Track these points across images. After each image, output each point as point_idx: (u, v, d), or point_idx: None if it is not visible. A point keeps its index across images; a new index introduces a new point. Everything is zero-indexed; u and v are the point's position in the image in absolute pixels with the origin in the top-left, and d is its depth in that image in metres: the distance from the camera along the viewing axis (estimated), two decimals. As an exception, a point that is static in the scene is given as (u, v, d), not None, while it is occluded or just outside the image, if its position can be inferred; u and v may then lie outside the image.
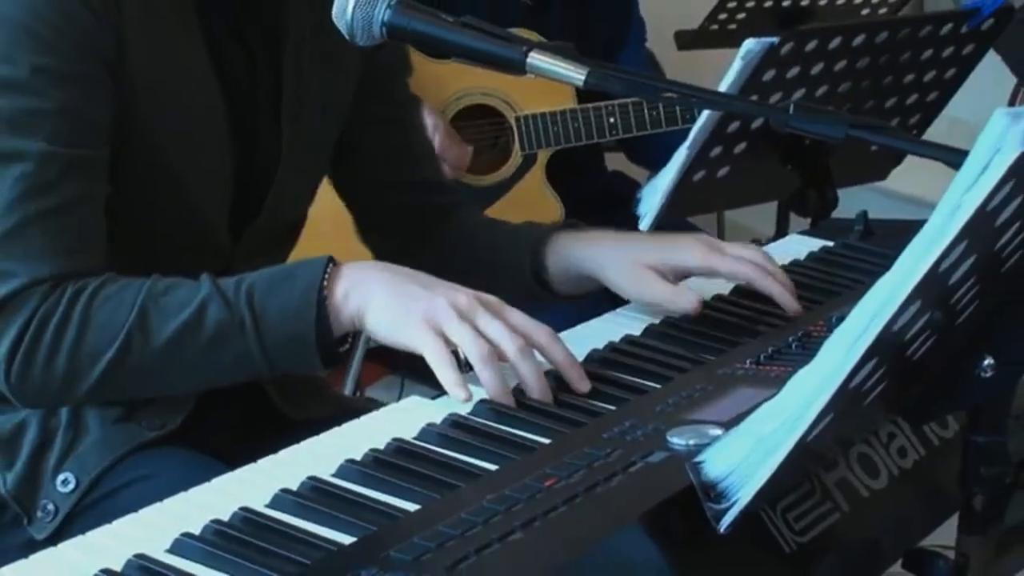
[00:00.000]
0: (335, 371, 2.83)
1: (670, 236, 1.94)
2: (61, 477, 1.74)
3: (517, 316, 1.62)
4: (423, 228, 2.11)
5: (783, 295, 1.83)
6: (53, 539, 1.70)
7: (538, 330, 1.61)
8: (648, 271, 1.87)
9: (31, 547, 1.53)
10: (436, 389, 1.58)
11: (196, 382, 1.74)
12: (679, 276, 1.89)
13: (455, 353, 1.57)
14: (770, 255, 1.89)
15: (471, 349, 1.55)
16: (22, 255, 1.65)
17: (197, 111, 1.81)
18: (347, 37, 1.72)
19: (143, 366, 1.65)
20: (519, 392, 1.58)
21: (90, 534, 1.31)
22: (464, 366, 1.57)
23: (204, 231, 1.86)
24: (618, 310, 1.87)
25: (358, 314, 1.63)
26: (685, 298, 1.83)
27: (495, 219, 2.18)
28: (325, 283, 1.64)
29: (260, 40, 1.89)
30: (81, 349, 1.64)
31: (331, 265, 1.65)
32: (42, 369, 1.65)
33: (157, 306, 1.64)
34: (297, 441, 1.49)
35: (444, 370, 1.54)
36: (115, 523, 1.32)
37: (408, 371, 3.84)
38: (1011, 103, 3.66)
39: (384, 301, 1.62)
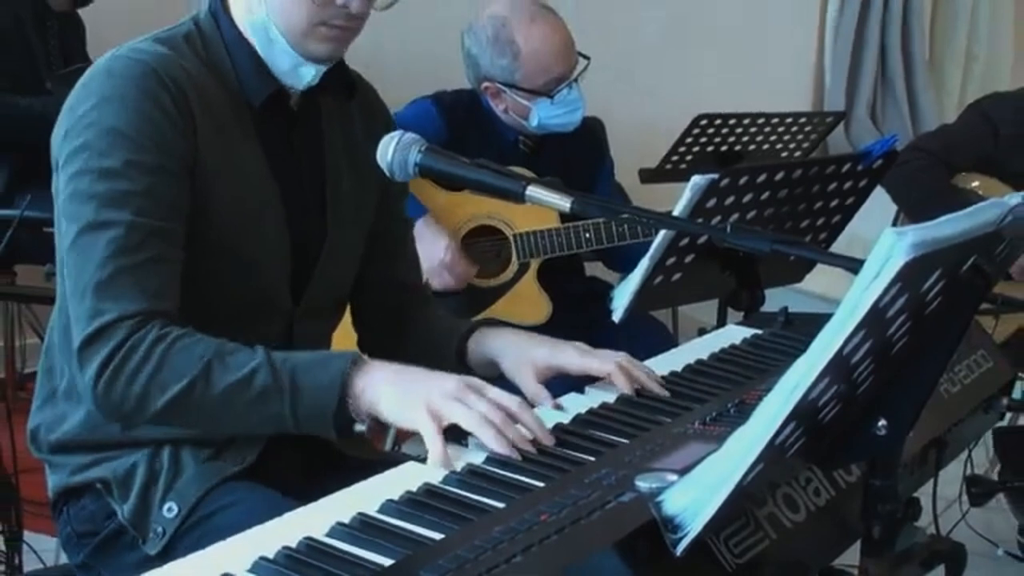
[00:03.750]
0: (377, 432, 2.81)
1: (557, 342, 1.92)
2: (167, 505, 1.74)
3: (494, 391, 1.62)
4: (397, 321, 2.11)
5: (630, 386, 1.79)
6: (162, 554, 1.70)
7: (511, 401, 1.60)
8: (529, 366, 1.87)
9: (144, 563, 1.53)
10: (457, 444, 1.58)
11: (236, 428, 1.74)
12: (558, 373, 1.87)
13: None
14: (630, 357, 1.86)
15: (466, 420, 1.56)
16: (114, 298, 1.66)
17: (258, 203, 1.82)
18: (388, 174, 1.74)
19: (199, 406, 1.66)
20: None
21: (189, 557, 1.30)
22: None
23: (269, 298, 1.87)
24: (595, 384, 1.86)
25: (372, 404, 1.62)
26: (540, 395, 1.81)
27: (442, 316, 2.14)
28: (349, 374, 1.63)
29: (304, 147, 1.91)
30: (155, 381, 1.64)
31: (359, 359, 1.65)
32: (123, 387, 1.65)
33: (221, 363, 1.65)
34: (350, 481, 1.48)
35: (433, 445, 1.54)
36: (208, 548, 1.31)
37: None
38: (895, 223, 3.67)
39: (393, 394, 1.61)
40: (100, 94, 1.71)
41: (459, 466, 1.50)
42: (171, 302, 1.71)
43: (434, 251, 3.08)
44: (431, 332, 2.07)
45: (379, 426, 1.67)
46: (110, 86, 1.71)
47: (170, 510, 1.73)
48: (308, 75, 1.83)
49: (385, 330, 2.12)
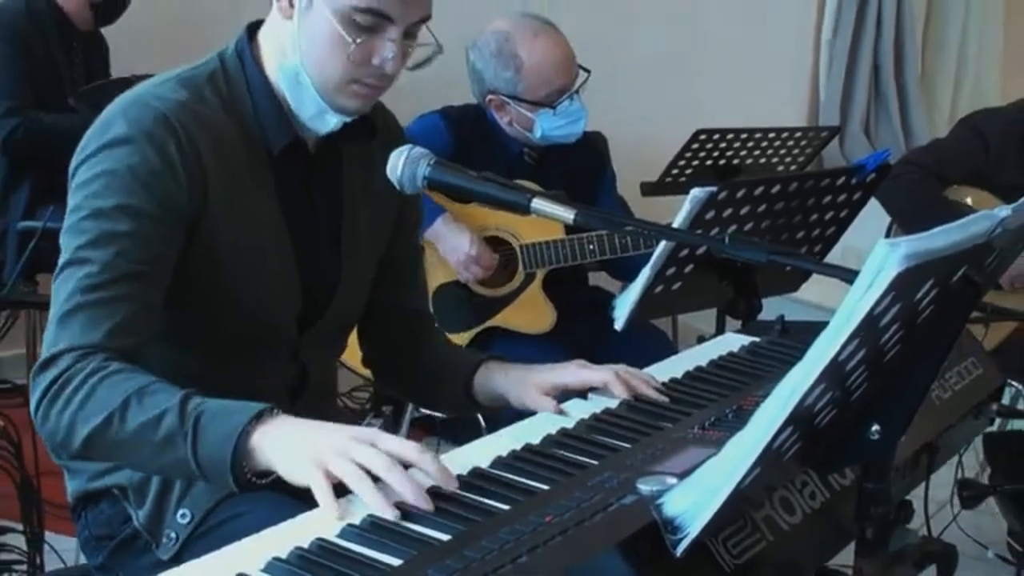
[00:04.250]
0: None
1: (556, 364, 1.91)
2: (180, 512, 1.74)
3: (387, 442, 1.47)
4: (403, 345, 2.09)
5: (626, 393, 1.80)
6: (174, 559, 1.70)
7: (404, 447, 1.46)
8: (532, 388, 1.85)
9: (158, 567, 1.52)
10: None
11: (152, 469, 1.66)
12: (560, 389, 1.85)
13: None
14: (628, 368, 1.86)
15: (346, 477, 1.42)
16: (69, 331, 1.62)
17: (268, 248, 1.80)
18: (397, 187, 1.73)
19: (115, 443, 1.57)
20: (528, 453, 1.58)
21: (205, 557, 1.30)
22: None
23: (276, 332, 1.85)
24: (597, 391, 1.86)
25: (268, 465, 1.50)
26: (546, 404, 1.81)
27: (451, 346, 2.12)
28: (248, 428, 1.50)
29: (322, 190, 1.89)
30: (80, 412, 1.58)
31: (264, 414, 1.52)
32: (55, 416, 1.60)
33: (139, 401, 1.56)
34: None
35: (320, 495, 1.41)
36: (223, 549, 1.31)
37: (443, 434, 3.84)
38: (887, 235, 3.67)
39: (284, 455, 1.48)
40: (111, 136, 1.69)
41: (466, 470, 1.50)
42: (130, 339, 1.65)
43: (459, 245, 3.09)
44: (436, 358, 2.06)
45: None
46: (121, 130, 1.69)
47: (183, 516, 1.73)
48: (331, 123, 1.80)
49: (391, 353, 2.11)
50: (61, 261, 1.67)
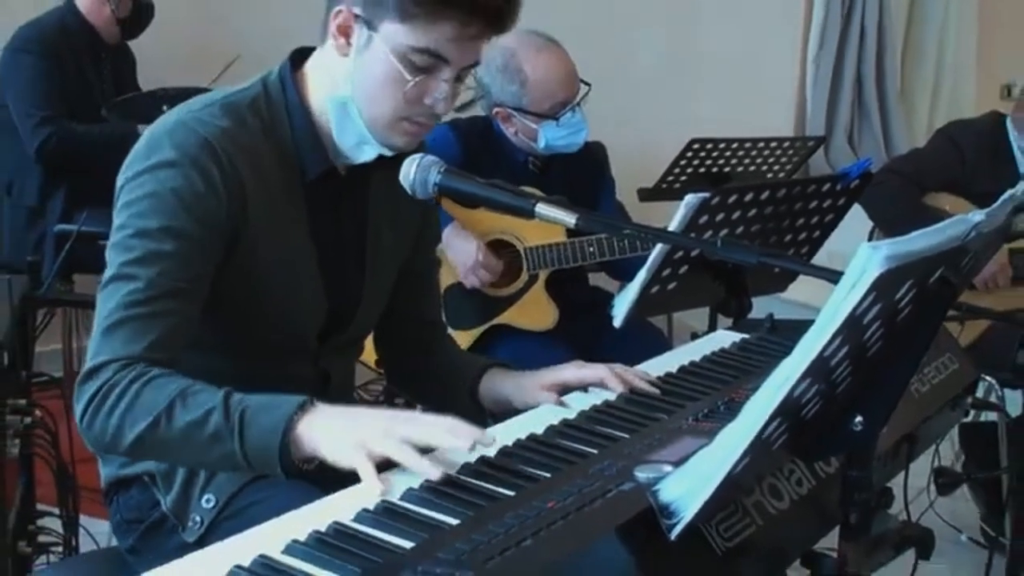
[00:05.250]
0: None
1: (556, 367, 1.90)
2: (205, 497, 1.74)
3: (426, 418, 1.55)
4: (417, 351, 2.09)
5: (622, 387, 1.81)
6: (199, 542, 1.70)
7: (440, 424, 1.52)
8: (535, 387, 1.86)
9: (184, 548, 1.52)
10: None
11: (198, 464, 1.69)
12: (560, 386, 1.85)
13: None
14: (624, 367, 1.87)
15: (392, 451, 1.46)
16: (112, 343, 1.63)
17: (299, 268, 1.80)
18: (409, 193, 1.72)
19: (163, 442, 1.58)
20: (532, 442, 1.58)
21: (227, 540, 1.30)
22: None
23: (299, 341, 1.85)
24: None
25: (314, 449, 1.52)
26: (547, 397, 1.82)
27: (459, 353, 2.14)
28: (294, 418, 1.53)
29: (349, 213, 1.88)
30: (127, 416, 1.58)
31: (307, 404, 1.55)
32: (101, 422, 1.60)
33: (183, 402, 1.57)
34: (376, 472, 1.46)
35: (365, 475, 1.43)
36: (245, 532, 1.32)
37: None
38: (870, 238, 3.67)
39: (329, 439, 1.51)
40: (157, 159, 1.68)
41: (473, 458, 1.50)
42: (169, 352, 1.65)
43: (467, 252, 3.09)
44: (446, 365, 2.06)
45: None
46: (167, 154, 1.68)
47: (208, 501, 1.73)
48: (369, 154, 1.79)
49: (404, 358, 2.12)
50: (107, 275, 1.67)
